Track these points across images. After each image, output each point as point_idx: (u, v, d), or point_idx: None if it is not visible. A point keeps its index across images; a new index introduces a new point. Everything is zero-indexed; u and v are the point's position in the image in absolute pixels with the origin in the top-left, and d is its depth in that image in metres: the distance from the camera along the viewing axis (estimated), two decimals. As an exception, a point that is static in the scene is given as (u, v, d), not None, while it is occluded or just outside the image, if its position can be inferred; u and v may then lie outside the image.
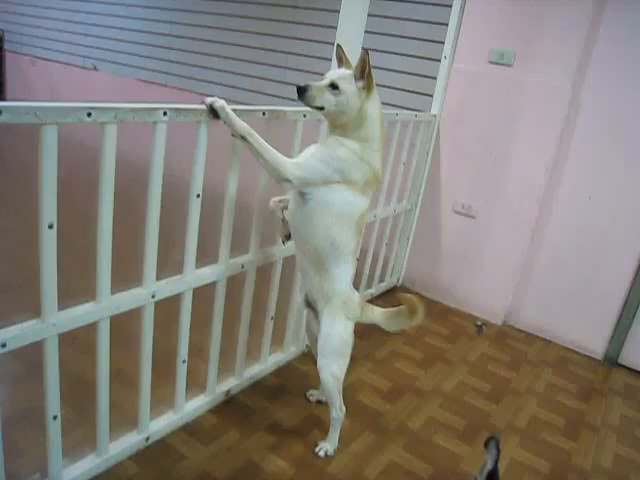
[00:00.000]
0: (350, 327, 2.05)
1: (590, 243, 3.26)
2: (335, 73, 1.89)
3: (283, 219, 2.13)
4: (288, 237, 2.17)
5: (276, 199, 2.13)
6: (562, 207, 3.31)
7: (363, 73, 1.85)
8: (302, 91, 1.83)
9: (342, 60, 1.97)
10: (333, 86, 1.84)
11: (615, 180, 3.13)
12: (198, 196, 1.85)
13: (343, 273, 2.00)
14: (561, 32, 3.09)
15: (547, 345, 3.41)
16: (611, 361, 3.33)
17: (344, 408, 2.13)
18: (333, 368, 2.03)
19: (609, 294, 3.26)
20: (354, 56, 2.11)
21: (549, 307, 3.45)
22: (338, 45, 1.98)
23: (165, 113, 1.65)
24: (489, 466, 1.21)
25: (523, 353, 3.25)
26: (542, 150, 3.25)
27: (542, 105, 3.21)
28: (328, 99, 1.84)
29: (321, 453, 2.12)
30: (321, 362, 2.04)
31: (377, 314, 2.17)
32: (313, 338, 2.23)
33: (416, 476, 2.11)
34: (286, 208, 2.08)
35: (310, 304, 2.13)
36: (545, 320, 3.47)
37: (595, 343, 3.35)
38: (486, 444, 1.31)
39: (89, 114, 1.45)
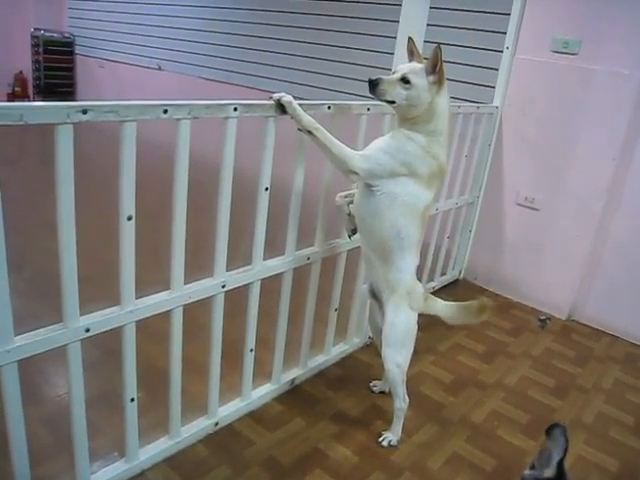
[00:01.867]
0: (414, 317, 2.07)
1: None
2: (407, 67, 1.90)
3: (349, 214, 2.16)
4: (354, 231, 2.20)
5: (342, 194, 2.17)
6: (629, 199, 3.21)
7: (435, 68, 1.85)
8: (374, 85, 1.85)
9: (413, 53, 1.98)
10: (404, 80, 1.85)
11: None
12: (266, 189, 1.91)
13: (408, 264, 2.02)
14: (630, 19, 3.00)
15: (614, 341, 3.32)
16: (683, 358, 3.22)
17: (407, 399, 2.15)
18: (397, 358, 2.06)
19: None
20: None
21: (616, 302, 3.36)
22: (410, 38, 1.98)
23: (235, 109, 1.71)
24: (557, 455, 1.19)
25: (589, 349, 3.17)
26: (609, 141, 3.16)
27: (609, 95, 3.12)
28: (399, 93, 1.85)
29: (384, 443, 2.15)
30: (385, 351, 2.07)
31: (440, 306, 2.19)
32: (377, 329, 2.26)
33: (479, 469, 2.11)
34: (352, 203, 2.11)
35: (375, 295, 2.17)
36: (612, 315, 3.38)
37: (665, 339, 3.25)
38: (548, 432, 1.24)
39: (165, 111, 1.52)
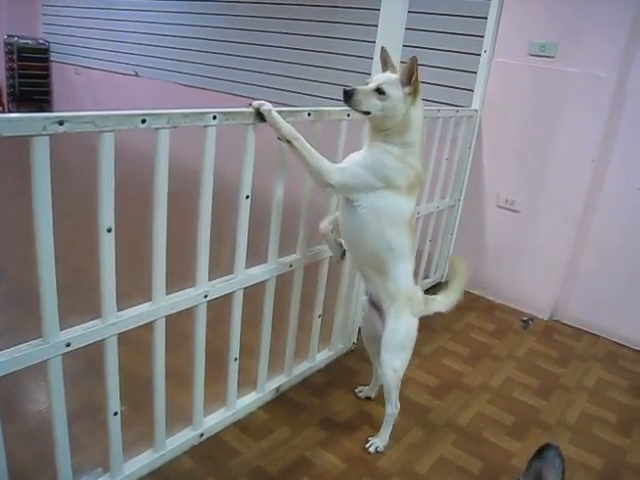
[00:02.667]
0: (415, 323, 2.09)
1: (639, 236, 3.19)
2: (382, 77, 1.89)
3: (335, 239, 2.17)
4: (343, 254, 2.21)
5: (326, 221, 2.17)
6: (609, 200, 3.25)
7: (410, 79, 1.84)
8: (349, 95, 1.83)
9: (387, 63, 1.96)
10: (380, 91, 1.84)
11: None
12: (247, 197, 1.89)
13: (404, 271, 2.02)
14: (605, 22, 3.04)
15: (595, 340, 3.35)
16: (663, 355, 3.26)
17: (399, 405, 2.15)
18: (395, 362, 2.06)
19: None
20: (396, 55, 2.13)
21: (597, 302, 3.39)
22: (383, 48, 1.97)
23: (215, 117, 1.69)
24: (555, 478, 1.14)
25: (571, 348, 3.20)
26: (587, 142, 3.20)
27: (586, 97, 3.16)
28: (374, 104, 1.84)
29: (371, 449, 2.14)
30: (384, 356, 2.06)
31: (440, 303, 2.21)
32: (371, 337, 2.26)
33: (467, 472, 2.11)
34: (336, 229, 2.12)
35: (375, 304, 2.16)
36: (593, 315, 3.41)
37: (646, 338, 3.29)
38: (540, 453, 1.17)
39: (143, 120, 1.51)
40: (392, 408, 2.14)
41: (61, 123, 1.32)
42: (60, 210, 1.44)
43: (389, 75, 1.90)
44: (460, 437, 2.30)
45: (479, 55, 3.49)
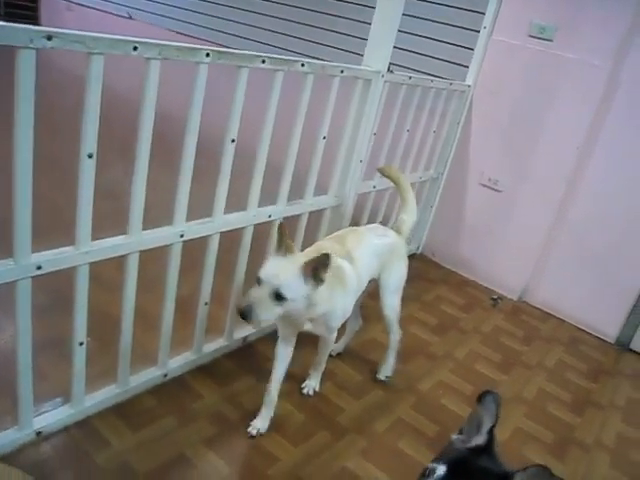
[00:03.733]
0: (406, 265, 2.31)
1: (613, 227, 3.25)
2: (275, 274, 1.62)
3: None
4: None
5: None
6: (587, 189, 3.29)
7: (316, 273, 1.63)
8: (245, 315, 1.61)
9: (282, 242, 1.69)
10: (278, 296, 1.61)
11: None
12: (233, 141, 1.88)
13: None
14: (604, 10, 3.04)
15: (561, 324, 3.42)
16: (623, 345, 3.34)
17: (401, 331, 2.36)
18: (395, 302, 2.29)
19: (627, 280, 3.26)
20: (391, 29, 2.09)
21: (566, 287, 3.46)
22: (280, 225, 1.72)
23: (208, 54, 1.67)
24: (489, 422, 1.18)
25: (536, 329, 3.27)
26: (575, 129, 3.22)
27: (579, 84, 3.17)
28: (275, 312, 1.65)
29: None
30: (387, 299, 2.25)
31: (407, 221, 2.38)
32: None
33: (422, 433, 2.16)
34: None
35: None
36: (561, 299, 3.48)
37: (609, 326, 3.36)
38: (480, 399, 1.21)
39: (135, 48, 1.48)
40: (395, 335, 2.34)
41: (49, 38, 1.29)
42: (42, 133, 1.42)
43: (286, 266, 1.64)
44: (419, 401, 2.35)
45: (478, 31, 3.48)
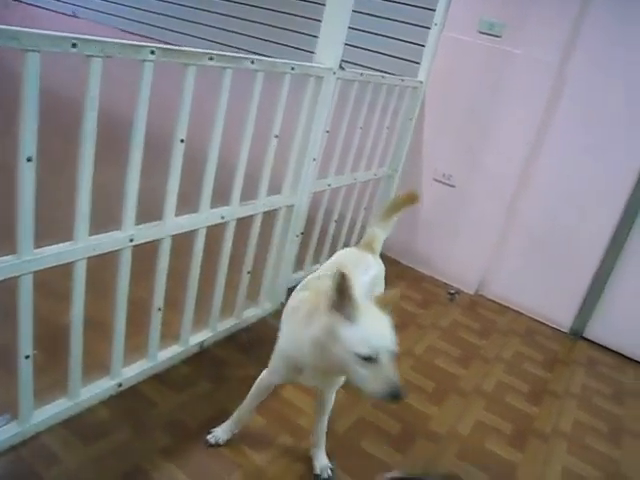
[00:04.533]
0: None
1: (564, 220, 3.31)
2: (393, 337, 1.41)
3: None
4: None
5: None
6: (538, 183, 3.35)
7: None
8: (404, 396, 1.37)
9: (344, 297, 1.39)
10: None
11: (593, 159, 3.18)
12: (182, 141, 1.82)
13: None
14: (551, 6, 3.09)
15: (517, 316, 3.47)
16: (577, 334, 3.41)
17: None
18: None
19: (579, 271, 3.33)
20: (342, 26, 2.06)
21: (521, 280, 3.51)
22: (342, 274, 1.38)
23: (153, 52, 1.61)
24: None
25: (493, 322, 3.31)
26: (525, 124, 3.27)
27: (528, 80, 3.21)
28: None
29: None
30: None
31: (379, 238, 2.24)
32: None
33: (385, 432, 2.15)
34: None
35: None
36: (516, 292, 3.53)
37: (563, 317, 3.43)
38: None
39: (74, 45, 1.41)
40: None
41: (-20, 35, 1.21)
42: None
43: (387, 322, 1.44)
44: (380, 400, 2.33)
45: (429, 28, 3.49)
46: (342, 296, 1.38)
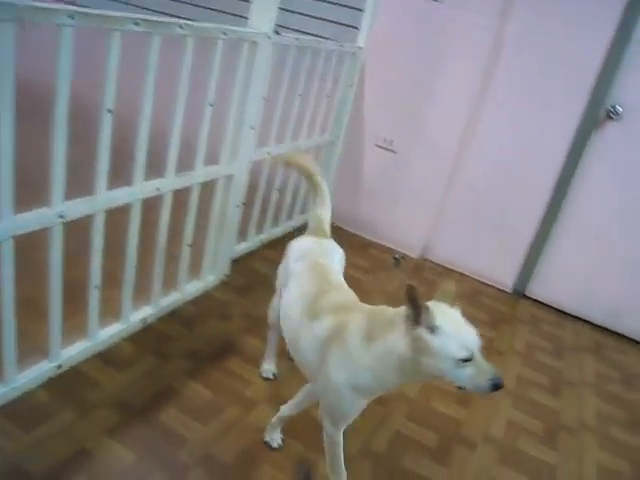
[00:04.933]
0: None
1: (504, 183, 3.37)
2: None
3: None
4: None
5: None
6: (479, 147, 3.39)
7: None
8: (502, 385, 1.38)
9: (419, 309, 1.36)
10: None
11: (531, 122, 3.23)
12: (110, 111, 1.74)
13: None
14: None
15: (462, 278, 3.54)
16: (519, 294, 3.51)
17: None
18: None
19: (519, 232, 3.41)
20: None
21: (464, 243, 3.57)
22: (411, 286, 1.34)
23: (72, 16, 1.52)
24: None
25: (438, 285, 3.34)
26: (465, 88, 3.28)
27: (468, 44, 3.22)
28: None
29: None
30: None
31: (326, 218, 2.06)
32: None
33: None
34: None
35: None
36: (460, 255, 3.59)
37: (505, 277, 3.51)
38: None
39: (-17, 8, 1.32)
40: None
41: None
42: None
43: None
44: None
45: (367, -8, 3.44)
46: (417, 309, 1.34)
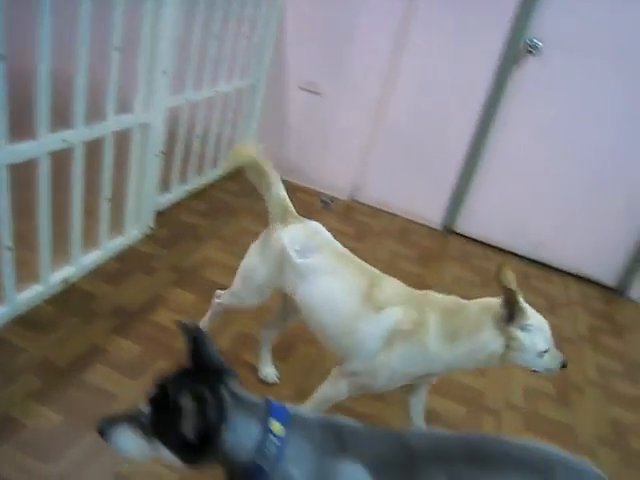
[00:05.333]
0: None
1: (429, 122, 3.40)
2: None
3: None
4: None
5: None
6: (403, 87, 3.38)
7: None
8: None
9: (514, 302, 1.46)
10: None
11: (453, 63, 3.25)
12: (2, 58, 1.60)
13: None
14: None
15: (392, 218, 3.57)
16: (449, 230, 3.58)
17: None
18: None
19: (446, 169, 3.46)
20: None
21: (393, 182, 3.59)
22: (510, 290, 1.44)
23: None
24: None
25: (368, 225, 3.38)
26: (385, 29, 3.24)
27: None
28: None
29: None
30: None
31: (286, 197, 1.93)
32: None
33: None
34: None
35: None
36: (389, 195, 3.61)
37: (434, 215, 3.58)
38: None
39: None
40: None
41: None
42: None
43: None
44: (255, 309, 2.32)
45: None
46: (513, 309, 1.44)
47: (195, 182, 3.17)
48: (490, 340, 1.47)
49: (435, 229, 3.57)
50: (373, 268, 1.74)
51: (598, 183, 3.29)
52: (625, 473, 2.06)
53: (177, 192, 2.99)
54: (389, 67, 3.31)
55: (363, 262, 1.76)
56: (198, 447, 0.96)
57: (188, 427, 0.93)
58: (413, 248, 3.24)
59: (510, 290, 1.42)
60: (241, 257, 2.64)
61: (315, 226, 1.84)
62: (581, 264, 3.47)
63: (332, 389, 1.69)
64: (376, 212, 3.59)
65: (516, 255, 3.50)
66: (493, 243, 3.55)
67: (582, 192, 3.34)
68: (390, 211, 3.62)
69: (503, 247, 3.54)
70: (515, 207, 3.49)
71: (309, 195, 3.58)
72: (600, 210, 3.35)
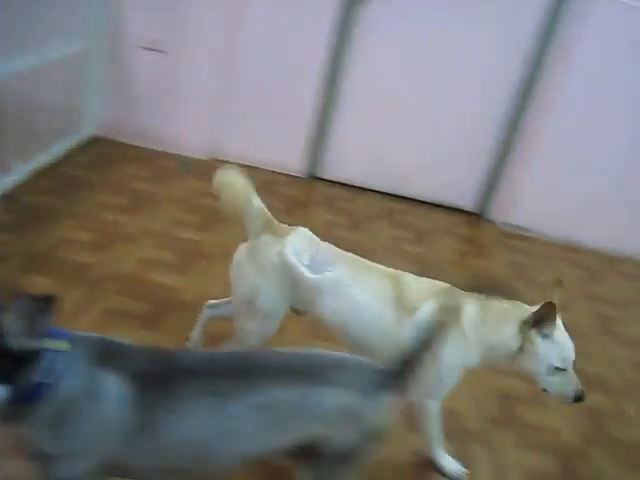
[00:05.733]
0: None
1: (279, 70, 3.40)
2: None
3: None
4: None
5: None
6: (249, 36, 3.33)
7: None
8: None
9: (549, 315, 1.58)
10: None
11: (293, 13, 3.25)
12: None
13: None
14: None
15: (255, 171, 3.52)
16: (312, 176, 3.63)
17: None
18: None
19: (302, 116, 3.49)
20: None
21: (251, 136, 3.56)
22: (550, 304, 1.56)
23: None
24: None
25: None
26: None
27: None
28: None
29: None
30: None
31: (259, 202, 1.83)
32: None
33: (133, 315, 2.12)
34: None
35: None
36: (250, 148, 3.57)
37: (296, 163, 3.61)
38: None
39: None
40: None
41: None
42: None
43: None
44: (125, 285, 2.27)
45: None
46: (545, 320, 1.53)
47: (40, 160, 2.94)
48: (509, 336, 1.57)
49: (300, 177, 3.60)
50: (388, 268, 1.73)
51: (451, 117, 3.47)
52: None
53: (20, 173, 2.77)
54: (232, 15, 3.23)
55: (377, 264, 1.74)
56: None
57: None
58: (279, 199, 3.24)
59: (552, 305, 1.52)
60: (97, 231, 2.56)
61: (306, 232, 1.75)
62: (443, 195, 3.65)
63: (426, 414, 1.71)
64: (238, 167, 3.55)
65: (380, 193, 3.61)
66: (357, 184, 3.64)
67: (437, 127, 3.50)
68: (252, 165, 3.58)
69: (368, 187, 3.63)
70: (374, 147, 3.59)
71: (168, 159, 3.46)
72: (456, 143, 3.53)
